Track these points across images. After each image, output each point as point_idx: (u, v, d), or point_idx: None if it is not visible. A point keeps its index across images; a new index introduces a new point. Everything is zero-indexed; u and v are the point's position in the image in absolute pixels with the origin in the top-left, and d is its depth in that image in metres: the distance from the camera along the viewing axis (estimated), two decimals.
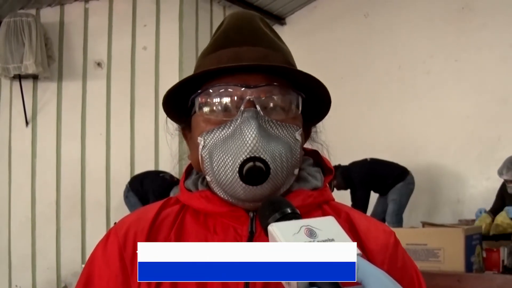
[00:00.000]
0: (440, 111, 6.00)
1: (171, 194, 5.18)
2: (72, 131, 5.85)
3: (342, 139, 6.02)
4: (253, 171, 0.82)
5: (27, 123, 5.77)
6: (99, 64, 5.93)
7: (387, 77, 6.46)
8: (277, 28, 7.43)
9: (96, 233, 5.55)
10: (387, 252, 0.92)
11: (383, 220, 5.54)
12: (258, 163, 0.82)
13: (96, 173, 5.85)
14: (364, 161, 5.62)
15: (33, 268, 5.73)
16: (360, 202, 5.51)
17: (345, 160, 5.48)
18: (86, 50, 5.94)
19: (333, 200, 0.99)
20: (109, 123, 5.91)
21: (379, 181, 5.58)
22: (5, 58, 5.32)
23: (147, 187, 5.39)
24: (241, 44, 0.91)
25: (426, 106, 6.11)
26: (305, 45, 6.91)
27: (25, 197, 5.75)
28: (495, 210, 5.00)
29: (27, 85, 5.74)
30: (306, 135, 1.00)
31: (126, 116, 5.90)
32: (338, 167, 5.51)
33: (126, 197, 5.48)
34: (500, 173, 4.93)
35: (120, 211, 5.62)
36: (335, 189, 5.54)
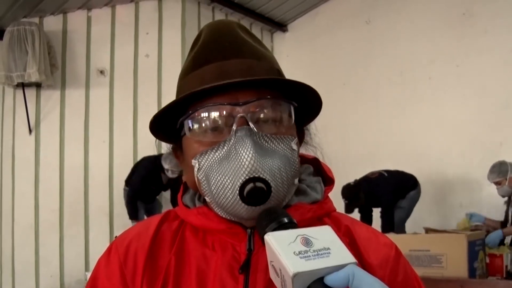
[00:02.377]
0: (442, 116, 6.01)
1: (163, 162, 5.23)
2: (75, 139, 5.86)
3: (344, 144, 6.04)
4: (254, 192, 0.79)
5: (30, 131, 5.79)
6: (102, 72, 5.95)
7: (389, 82, 6.47)
8: (279, 35, 7.46)
9: (99, 240, 5.57)
10: (387, 266, 0.91)
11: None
12: (258, 184, 0.79)
13: (99, 180, 5.86)
14: (381, 176, 5.56)
15: (36, 276, 5.73)
16: (392, 221, 5.49)
17: (346, 166, 5.48)
18: (89, 58, 5.96)
19: (335, 211, 0.97)
20: (112, 130, 5.93)
21: (400, 192, 5.58)
22: (9, 67, 5.34)
23: (136, 175, 5.48)
24: (223, 57, 0.88)
25: (428, 111, 6.11)
26: (307, 51, 6.94)
27: (28, 205, 5.76)
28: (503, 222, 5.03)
29: (30, 93, 5.76)
30: (300, 139, 0.96)
31: (129, 123, 5.92)
32: (358, 184, 5.47)
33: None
34: (487, 178, 4.99)
35: (123, 218, 5.64)
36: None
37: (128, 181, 5.55)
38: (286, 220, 0.74)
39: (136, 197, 5.48)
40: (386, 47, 6.52)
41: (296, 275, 0.64)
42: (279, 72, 0.93)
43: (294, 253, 0.66)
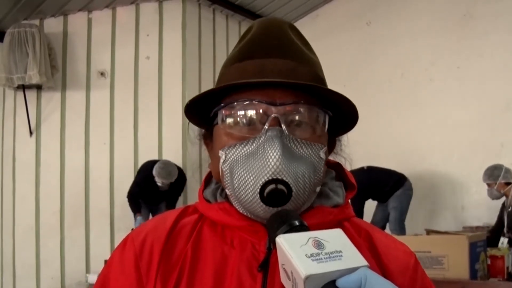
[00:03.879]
0: (442, 118, 6.00)
1: (154, 169, 5.33)
2: (76, 141, 5.87)
3: (345, 146, 6.02)
4: (274, 194, 0.79)
5: (31, 132, 5.79)
6: (102, 74, 5.96)
7: (390, 84, 6.47)
8: None
9: (100, 242, 5.57)
10: (407, 273, 0.91)
11: (384, 227, 5.54)
12: (280, 186, 0.79)
13: (100, 182, 5.86)
14: (361, 170, 5.57)
15: (37, 278, 5.73)
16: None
17: (347, 167, 5.47)
18: (89, 60, 5.96)
19: (354, 216, 0.97)
20: (113, 132, 5.93)
21: (376, 188, 5.57)
22: (9, 69, 5.34)
23: (135, 178, 5.62)
24: (268, 55, 0.89)
25: (429, 113, 6.11)
26: None
27: (29, 207, 5.76)
28: (493, 231, 5.01)
29: (31, 95, 5.76)
30: (330, 148, 0.98)
31: (129, 125, 5.92)
32: None
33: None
34: (483, 179, 5.03)
35: (124, 220, 5.64)
36: None
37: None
38: (297, 222, 0.74)
39: (134, 198, 5.57)
40: (386, 49, 6.52)
41: (308, 278, 0.64)
42: (321, 78, 0.92)
43: (306, 255, 0.66)
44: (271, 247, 0.86)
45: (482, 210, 5.56)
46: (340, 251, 0.68)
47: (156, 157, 5.78)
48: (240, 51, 0.92)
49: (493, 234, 4.82)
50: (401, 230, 5.46)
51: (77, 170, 5.85)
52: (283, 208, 0.81)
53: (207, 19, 6.43)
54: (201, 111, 0.93)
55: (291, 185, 0.80)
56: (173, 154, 5.72)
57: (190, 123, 0.99)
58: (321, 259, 0.66)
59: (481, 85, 5.78)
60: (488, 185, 5.07)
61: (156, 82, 5.96)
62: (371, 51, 6.65)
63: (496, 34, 5.72)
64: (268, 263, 0.85)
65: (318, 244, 0.68)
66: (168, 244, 0.91)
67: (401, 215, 5.55)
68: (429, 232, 4.22)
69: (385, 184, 5.56)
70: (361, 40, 6.76)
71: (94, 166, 5.91)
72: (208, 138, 0.97)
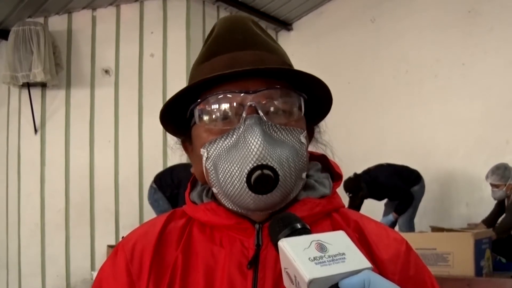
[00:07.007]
0: (447, 115, 5.99)
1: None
2: (81, 139, 5.87)
3: (350, 144, 6.02)
4: (261, 179, 0.79)
5: (36, 130, 5.80)
6: (107, 72, 5.96)
7: (395, 81, 6.45)
8: (284, 34, 7.46)
9: (105, 240, 5.58)
10: (398, 261, 0.90)
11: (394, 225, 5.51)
12: (266, 171, 0.79)
13: (104, 180, 5.87)
14: (382, 166, 5.54)
15: (42, 275, 5.74)
16: (410, 202, 5.42)
17: (351, 165, 5.46)
18: (94, 58, 5.97)
19: (343, 207, 0.96)
20: (117, 130, 5.93)
21: (403, 183, 5.51)
22: (14, 67, 5.34)
23: (179, 177, 5.17)
24: (235, 49, 0.89)
25: (434, 110, 6.09)
26: (312, 50, 6.92)
27: (34, 205, 5.77)
28: (489, 221, 4.99)
29: (36, 93, 5.77)
30: (309, 136, 0.96)
31: (134, 123, 5.93)
32: (359, 176, 5.44)
33: (154, 200, 5.23)
34: (486, 176, 4.94)
35: (129, 217, 5.64)
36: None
37: (160, 182, 5.23)
38: (299, 225, 0.73)
39: None
40: (391, 45, 6.50)
41: (311, 282, 0.63)
42: (289, 65, 0.93)
43: (309, 259, 0.66)
44: (260, 244, 0.86)
45: (487, 207, 5.53)
46: (344, 254, 0.67)
47: (160, 155, 5.78)
48: (208, 49, 0.92)
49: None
50: (411, 229, 5.40)
51: (82, 168, 5.85)
52: (274, 194, 0.81)
53: (212, 16, 6.42)
54: (176, 116, 0.92)
55: (277, 169, 0.80)
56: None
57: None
58: (325, 262, 0.66)
59: (486, 81, 5.75)
60: (496, 185, 4.94)
61: (161, 80, 5.96)
62: (375, 47, 6.63)
63: (502, 30, 5.70)
64: (257, 260, 0.85)
65: (321, 247, 0.67)
66: (158, 249, 0.91)
67: (413, 212, 5.50)
68: (434, 229, 4.22)
69: (407, 180, 5.52)
70: (365, 37, 6.74)
71: (98, 164, 5.91)
72: (186, 141, 0.96)
